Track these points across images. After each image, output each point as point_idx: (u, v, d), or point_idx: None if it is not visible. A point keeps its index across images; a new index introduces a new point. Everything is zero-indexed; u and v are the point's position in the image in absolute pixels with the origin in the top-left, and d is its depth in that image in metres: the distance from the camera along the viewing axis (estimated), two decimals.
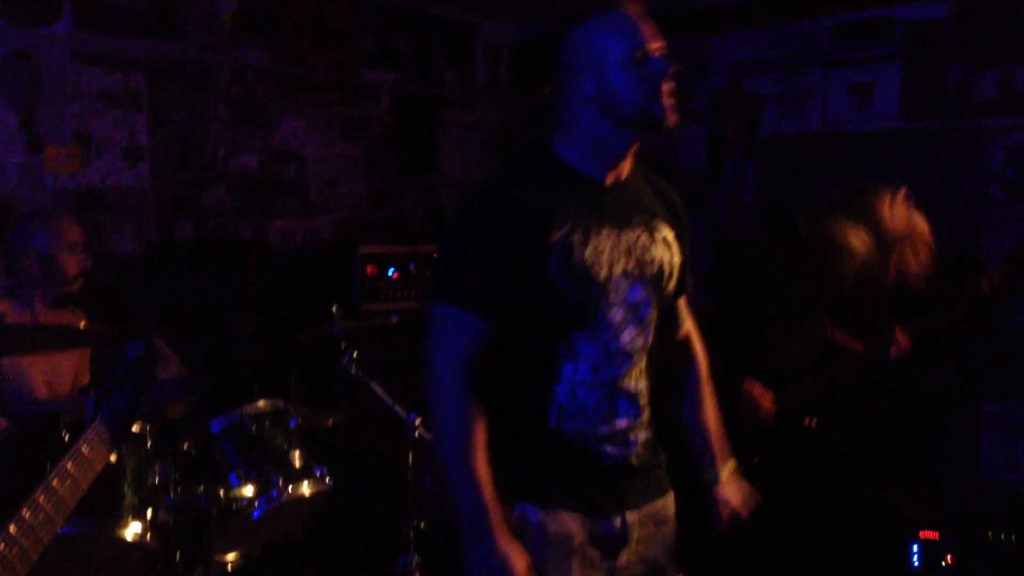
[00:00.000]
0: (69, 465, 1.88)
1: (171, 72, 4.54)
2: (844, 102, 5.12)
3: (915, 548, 3.80)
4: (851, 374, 3.70)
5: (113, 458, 2.99)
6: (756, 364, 3.66)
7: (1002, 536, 3.72)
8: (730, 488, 2.37)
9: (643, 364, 2.20)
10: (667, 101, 2.08)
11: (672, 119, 2.08)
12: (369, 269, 4.55)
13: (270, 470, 3.29)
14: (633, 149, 2.17)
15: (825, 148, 5.14)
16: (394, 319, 4.17)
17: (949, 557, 3.75)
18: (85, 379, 3.47)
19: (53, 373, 3.43)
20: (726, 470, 2.38)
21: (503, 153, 6.02)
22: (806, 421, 3.74)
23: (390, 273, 4.63)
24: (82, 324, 3.22)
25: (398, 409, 3.66)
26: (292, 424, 3.44)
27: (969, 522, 3.91)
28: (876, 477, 4.41)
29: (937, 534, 3.79)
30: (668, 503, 2.30)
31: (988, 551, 3.75)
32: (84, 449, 1.92)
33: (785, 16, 5.24)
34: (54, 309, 3.48)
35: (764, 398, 3.63)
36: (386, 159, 5.48)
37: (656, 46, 2.09)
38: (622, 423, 2.15)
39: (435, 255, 4.53)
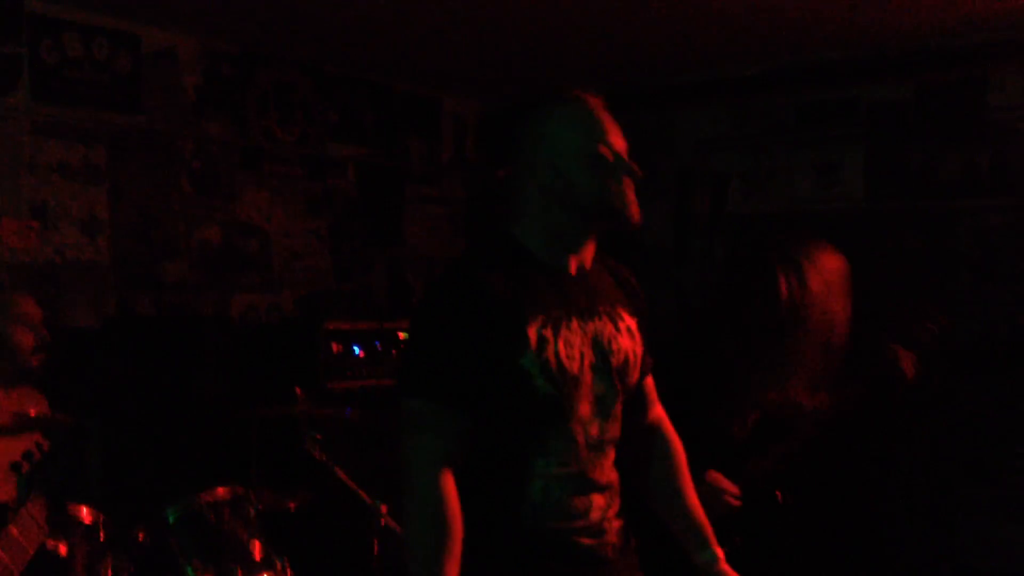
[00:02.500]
0: None
1: (133, 144, 4.46)
2: (810, 181, 5.14)
3: None
4: (812, 432, 3.62)
5: (64, 550, 2.87)
6: (716, 445, 3.61)
7: None
8: (730, 566, 2.31)
9: (612, 456, 2.15)
10: (629, 196, 2.06)
11: (637, 215, 2.07)
12: (334, 346, 4.46)
13: (229, 561, 3.16)
14: (592, 238, 2.14)
15: (791, 227, 5.13)
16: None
17: None
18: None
19: None
20: (720, 549, 2.33)
21: (470, 229, 5.99)
22: (777, 495, 3.68)
23: (355, 350, 4.53)
24: (32, 412, 3.10)
25: (363, 495, 3.55)
26: (252, 512, 3.33)
27: None
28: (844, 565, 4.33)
29: None
30: None
31: None
32: (13, 531, 1.81)
33: (748, 94, 5.28)
34: (11, 387, 3.39)
35: (730, 486, 3.58)
36: (351, 233, 5.42)
37: (618, 143, 2.08)
38: (595, 515, 2.09)
39: (402, 345, 4.46)
